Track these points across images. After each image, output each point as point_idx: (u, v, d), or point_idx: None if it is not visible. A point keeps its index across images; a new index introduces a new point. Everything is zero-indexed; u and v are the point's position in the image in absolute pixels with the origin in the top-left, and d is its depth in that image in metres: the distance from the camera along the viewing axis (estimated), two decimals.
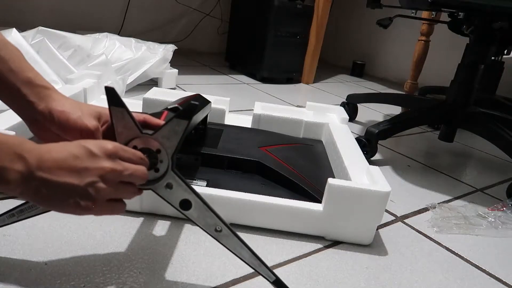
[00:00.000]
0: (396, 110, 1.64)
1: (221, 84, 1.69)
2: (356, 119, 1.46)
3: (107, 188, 0.40)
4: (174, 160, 0.46)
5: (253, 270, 0.47)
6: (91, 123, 0.48)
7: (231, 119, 1.02)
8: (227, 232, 0.46)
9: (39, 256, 0.52)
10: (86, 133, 0.47)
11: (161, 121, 0.52)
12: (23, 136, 0.70)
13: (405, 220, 0.77)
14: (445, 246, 0.70)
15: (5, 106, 0.53)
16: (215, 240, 0.47)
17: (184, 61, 2.00)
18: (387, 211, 0.80)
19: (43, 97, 0.48)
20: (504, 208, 0.85)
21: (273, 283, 0.47)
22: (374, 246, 0.66)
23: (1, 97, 0.48)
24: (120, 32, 1.95)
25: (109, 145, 0.42)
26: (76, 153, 0.39)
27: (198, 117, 0.66)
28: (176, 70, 1.45)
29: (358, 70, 2.43)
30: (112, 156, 0.41)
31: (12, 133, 0.63)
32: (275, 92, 1.68)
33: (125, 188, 0.43)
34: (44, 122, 0.47)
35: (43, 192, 0.38)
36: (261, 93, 1.64)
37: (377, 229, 0.71)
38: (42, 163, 0.37)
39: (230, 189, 0.64)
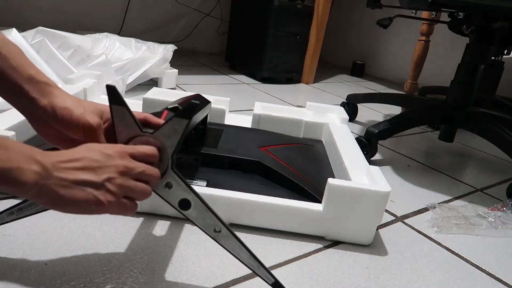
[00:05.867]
0: (396, 110, 1.64)
1: (221, 84, 1.69)
2: (356, 119, 1.46)
3: (123, 183, 0.42)
4: (174, 159, 0.46)
5: None
6: (93, 120, 0.48)
7: (231, 119, 1.01)
8: (226, 232, 0.46)
9: (39, 256, 0.52)
10: (88, 130, 0.47)
11: (161, 120, 0.52)
12: (24, 135, 0.70)
13: (405, 220, 0.77)
14: (445, 246, 0.70)
15: (5, 106, 0.53)
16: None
17: (184, 61, 2.00)
18: (387, 211, 0.80)
19: (46, 94, 0.48)
20: (504, 208, 0.85)
21: (272, 285, 0.47)
22: (374, 246, 0.66)
23: (2, 95, 0.48)
24: (120, 32, 1.96)
25: (118, 146, 0.44)
26: (89, 156, 0.41)
27: (198, 117, 0.66)
28: (176, 70, 1.45)
29: (358, 70, 2.43)
30: (123, 155, 0.43)
31: (12, 133, 0.63)
32: (275, 92, 1.68)
33: (139, 186, 0.44)
34: (47, 118, 0.47)
35: (60, 192, 0.38)
36: (261, 93, 1.64)
37: (377, 229, 0.71)
38: (58, 164, 0.38)
39: (230, 189, 0.64)
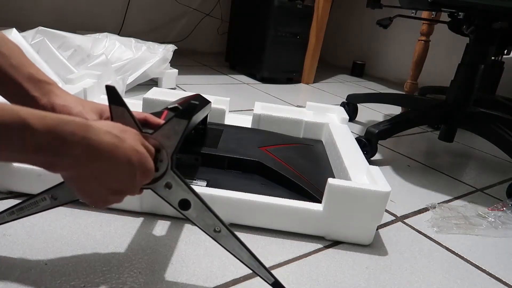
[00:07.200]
0: (396, 110, 1.64)
1: (221, 84, 1.69)
2: (356, 119, 1.46)
3: (121, 198, 0.44)
4: (174, 159, 0.46)
5: None
6: (92, 118, 0.48)
7: (231, 119, 1.01)
8: (226, 232, 0.46)
9: (39, 256, 0.52)
10: None
11: (161, 120, 0.52)
12: None
13: (405, 220, 0.77)
14: (445, 246, 0.70)
15: None
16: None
17: (184, 61, 2.00)
18: (387, 211, 0.80)
19: (46, 92, 0.48)
20: (504, 208, 0.85)
21: (272, 285, 0.47)
22: (374, 246, 0.66)
23: (2, 93, 0.48)
24: (120, 32, 1.95)
25: (148, 169, 0.43)
26: (118, 173, 0.40)
27: (198, 117, 0.66)
28: (176, 70, 1.45)
29: (358, 70, 2.43)
30: (144, 180, 0.44)
31: None
32: (275, 92, 1.68)
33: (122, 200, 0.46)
34: None
35: (79, 179, 0.39)
36: (261, 93, 1.64)
37: (377, 229, 0.71)
38: (86, 167, 0.38)
39: (230, 189, 0.64)
